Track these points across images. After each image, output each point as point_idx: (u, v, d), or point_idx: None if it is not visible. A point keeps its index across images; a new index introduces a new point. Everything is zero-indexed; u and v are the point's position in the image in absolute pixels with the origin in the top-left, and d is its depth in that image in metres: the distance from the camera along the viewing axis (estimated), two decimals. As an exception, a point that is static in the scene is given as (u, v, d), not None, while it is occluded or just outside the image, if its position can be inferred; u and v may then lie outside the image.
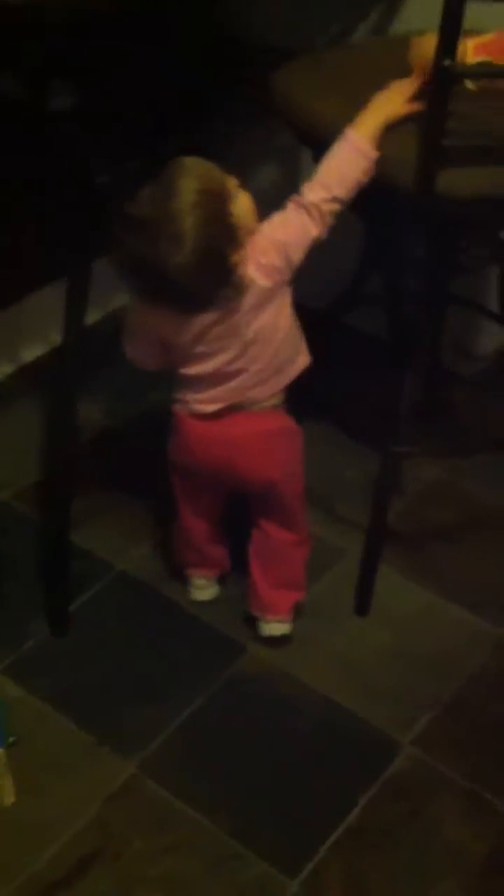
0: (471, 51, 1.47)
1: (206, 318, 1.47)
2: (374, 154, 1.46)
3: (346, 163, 1.46)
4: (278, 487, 1.64)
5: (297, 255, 1.49)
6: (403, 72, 1.49)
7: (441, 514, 2.00)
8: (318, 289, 1.51)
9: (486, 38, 1.51)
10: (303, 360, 1.59)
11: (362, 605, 1.82)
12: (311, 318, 1.59)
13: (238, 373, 1.54)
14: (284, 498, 1.66)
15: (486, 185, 1.46)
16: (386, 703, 1.68)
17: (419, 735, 1.64)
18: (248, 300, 1.47)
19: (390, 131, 1.48)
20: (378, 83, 1.50)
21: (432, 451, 1.99)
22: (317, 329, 1.60)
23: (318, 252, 1.49)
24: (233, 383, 1.55)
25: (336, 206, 1.48)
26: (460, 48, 1.35)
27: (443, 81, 1.35)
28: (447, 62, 1.33)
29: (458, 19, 1.30)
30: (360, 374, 2.07)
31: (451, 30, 1.32)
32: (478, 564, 1.90)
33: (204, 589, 1.82)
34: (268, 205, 1.49)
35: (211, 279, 1.41)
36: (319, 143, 1.50)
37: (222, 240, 1.40)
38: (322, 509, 1.97)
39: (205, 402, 1.57)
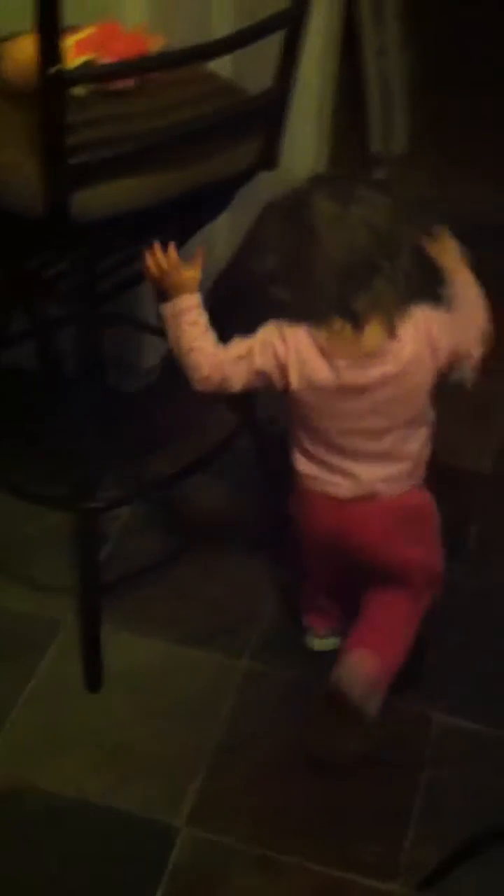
0: (72, 50, 1.27)
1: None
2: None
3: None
4: None
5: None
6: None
7: (147, 545, 1.82)
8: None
9: (85, 32, 1.33)
10: None
11: (93, 679, 1.61)
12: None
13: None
14: None
15: (124, 199, 1.29)
16: (146, 785, 1.50)
17: (191, 810, 1.47)
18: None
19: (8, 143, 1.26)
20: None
21: (124, 498, 1.82)
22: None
23: None
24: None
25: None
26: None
27: (53, 92, 1.15)
28: (53, 69, 1.13)
29: (55, 17, 1.10)
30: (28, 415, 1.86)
31: (49, 31, 1.12)
32: (195, 593, 1.75)
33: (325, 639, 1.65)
34: None
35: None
36: None
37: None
38: (16, 579, 1.74)
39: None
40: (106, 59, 1.32)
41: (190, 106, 1.35)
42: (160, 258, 1.36)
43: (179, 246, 1.59)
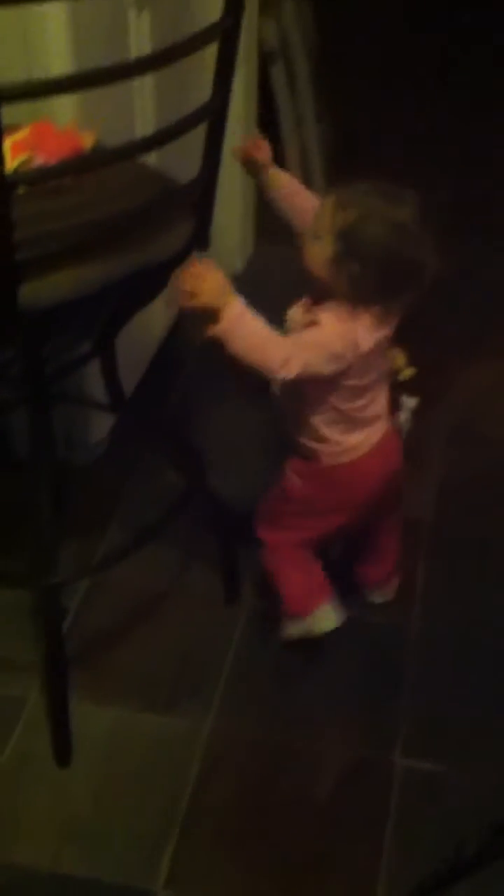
0: (8, 154, 1.34)
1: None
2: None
3: None
4: None
5: None
6: None
7: (107, 616, 1.86)
8: None
9: (21, 133, 1.40)
10: None
11: (62, 753, 1.64)
12: None
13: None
14: None
15: (69, 287, 1.35)
16: (120, 853, 1.53)
17: (167, 874, 1.51)
18: None
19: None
20: None
21: (84, 573, 1.86)
22: None
23: None
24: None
25: None
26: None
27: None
28: (-3, 173, 1.19)
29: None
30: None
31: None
32: (156, 660, 1.80)
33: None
34: None
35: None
36: None
37: None
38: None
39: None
40: (41, 157, 1.39)
41: (124, 197, 1.41)
42: (193, 278, 1.42)
43: (123, 324, 1.66)
